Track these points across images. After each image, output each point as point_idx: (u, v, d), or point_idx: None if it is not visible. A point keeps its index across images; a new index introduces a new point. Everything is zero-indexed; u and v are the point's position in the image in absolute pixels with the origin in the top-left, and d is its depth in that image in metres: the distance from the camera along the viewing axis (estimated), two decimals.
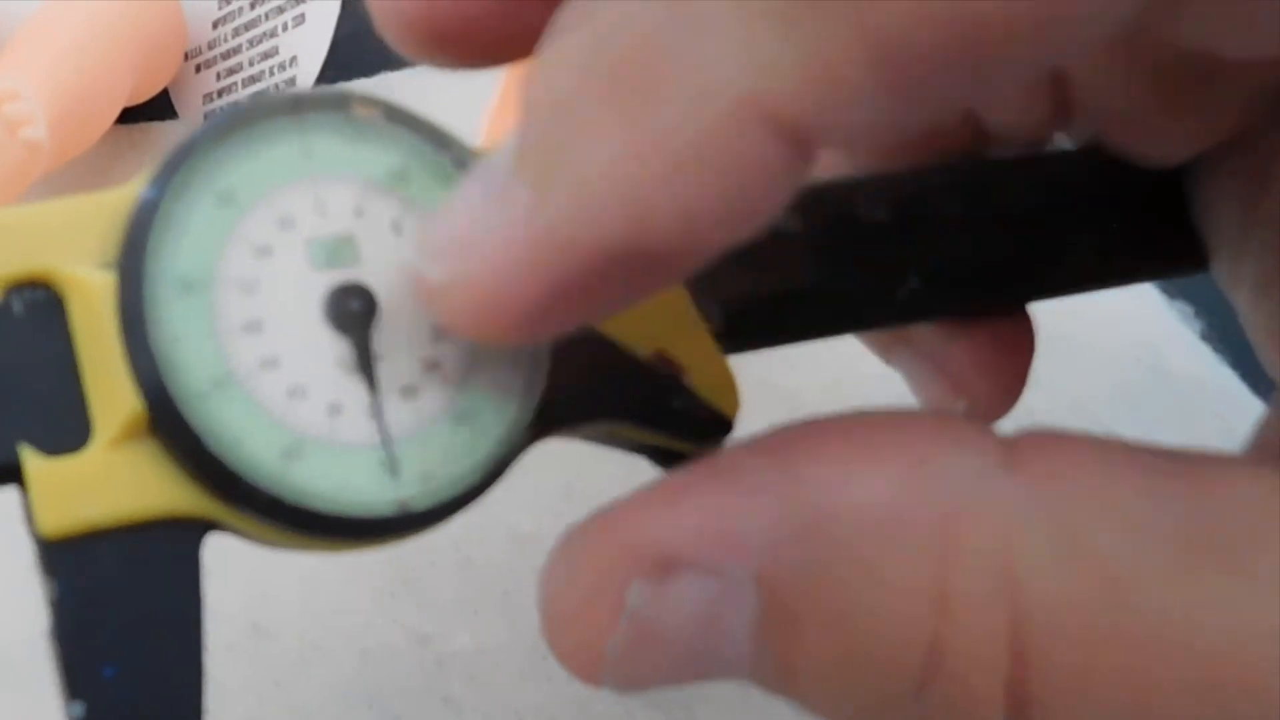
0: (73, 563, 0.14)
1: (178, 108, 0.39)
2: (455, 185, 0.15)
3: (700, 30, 0.12)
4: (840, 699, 0.14)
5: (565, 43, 0.13)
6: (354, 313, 0.15)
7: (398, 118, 0.16)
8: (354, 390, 0.15)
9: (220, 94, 0.38)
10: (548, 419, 0.15)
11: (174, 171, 0.15)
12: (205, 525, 0.14)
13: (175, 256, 0.14)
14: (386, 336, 0.15)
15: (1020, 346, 0.21)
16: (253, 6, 0.37)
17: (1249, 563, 0.13)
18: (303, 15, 0.36)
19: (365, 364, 0.15)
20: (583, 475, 0.26)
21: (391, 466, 0.15)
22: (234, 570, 0.26)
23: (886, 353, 0.22)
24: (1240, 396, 0.31)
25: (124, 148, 0.37)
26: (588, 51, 0.13)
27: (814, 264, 0.18)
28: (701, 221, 0.13)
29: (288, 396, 0.14)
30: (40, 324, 0.14)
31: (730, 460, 0.14)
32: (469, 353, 0.15)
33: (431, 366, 0.15)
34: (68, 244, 0.14)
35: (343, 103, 0.15)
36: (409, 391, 0.15)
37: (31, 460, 0.14)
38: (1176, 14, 0.13)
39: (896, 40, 0.12)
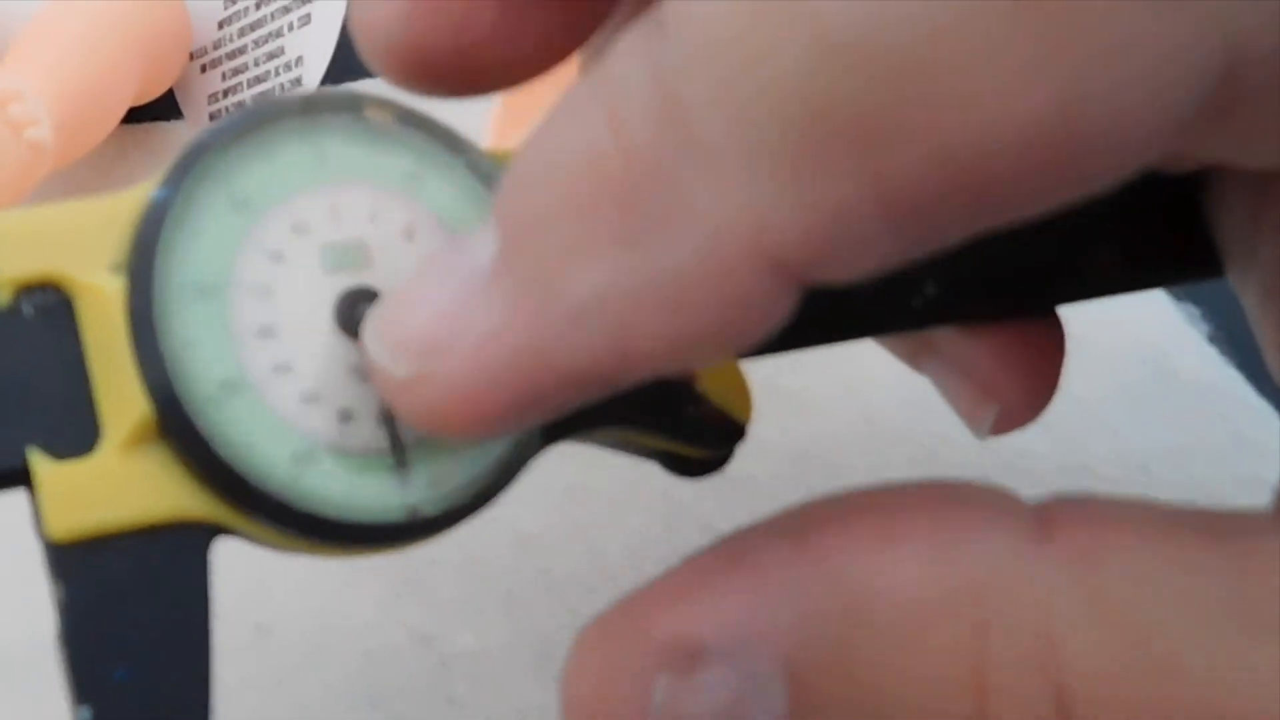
0: (81, 566, 0.14)
1: (183, 108, 0.39)
2: (467, 189, 0.15)
3: (705, 165, 0.12)
4: None
5: (560, 141, 0.13)
6: (365, 318, 0.15)
7: (411, 121, 0.16)
8: (366, 396, 0.15)
9: (225, 94, 0.38)
10: (559, 425, 0.15)
11: (185, 174, 0.15)
12: (214, 530, 0.14)
13: (188, 260, 0.14)
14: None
15: (1049, 349, 0.21)
16: (258, 7, 0.37)
17: None
18: (308, 15, 0.36)
19: None
20: (586, 475, 0.26)
21: (402, 472, 0.15)
22: (236, 570, 0.26)
23: (913, 360, 0.22)
24: (1248, 400, 0.31)
25: (129, 148, 0.37)
26: (586, 162, 0.12)
27: None
28: (689, 349, 0.13)
29: (300, 402, 0.14)
30: (50, 327, 0.14)
31: (753, 545, 0.14)
32: None
33: None
34: (78, 247, 0.14)
35: (356, 106, 0.15)
36: None
37: (40, 464, 0.14)
38: (1210, 144, 0.13)
39: (908, 192, 0.12)
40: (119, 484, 0.14)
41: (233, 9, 0.38)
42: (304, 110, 0.15)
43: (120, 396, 0.14)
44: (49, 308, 0.14)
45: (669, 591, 0.14)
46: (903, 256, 0.12)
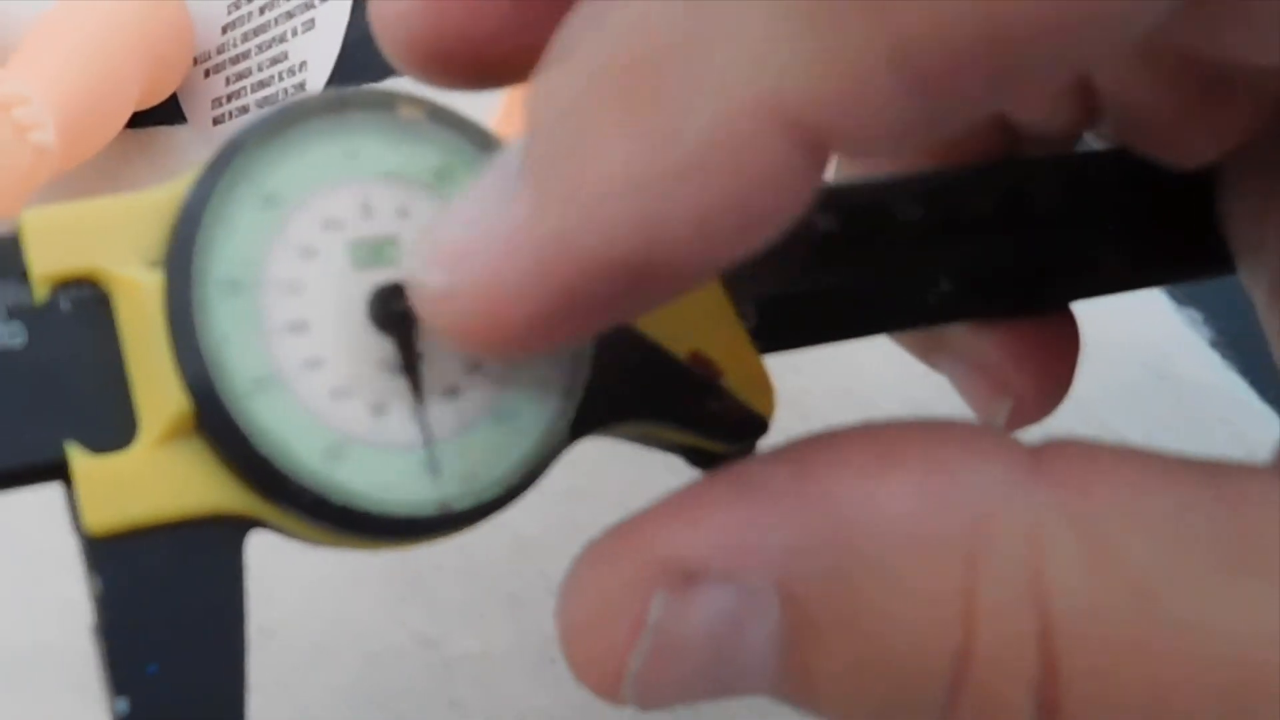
0: (118, 560, 0.14)
1: (186, 113, 0.39)
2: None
3: (718, 30, 0.12)
4: (865, 711, 0.14)
5: (575, 45, 0.13)
6: (398, 313, 0.15)
7: (441, 117, 0.16)
8: (397, 390, 0.15)
9: (229, 99, 0.38)
10: (586, 419, 0.15)
11: (220, 172, 0.15)
12: (248, 523, 0.14)
13: (222, 257, 0.14)
14: (429, 337, 0.15)
15: (1063, 345, 0.21)
16: (262, 12, 0.37)
17: (1277, 568, 0.13)
18: (312, 20, 0.36)
19: (409, 364, 0.15)
20: (587, 479, 0.26)
21: (433, 466, 0.15)
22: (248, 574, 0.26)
23: (927, 356, 0.22)
24: (1249, 403, 0.31)
25: (133, 152, 0.38)
26: (598, 54, 0.12)
27: (847, 264, 0.18)
28: (714, 230, 0.12)
29: (331, 397, 0.14)
30: (87, 322, 0.14)
31: (751, 471, 0.14)
32: None
33: (473, 367, 0.15)
34: (114, 242, 0.14)
35: (387, 103, 0.15)
36: (451, 392, 0.15)
37: (78, 458, 0.14)
38: (1203, 21, 0.13)
39: (922, 42, 0.11)
40: (155, 478, 0.14)
41: (236, 14, 0.38)
42: (335, 107, 0.15)
43: (157, 391, 0.14)
44: (86, 302, 0.14)
45: (668, 513, 0.14)
46: (920, 121, 0.12)
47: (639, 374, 0.16)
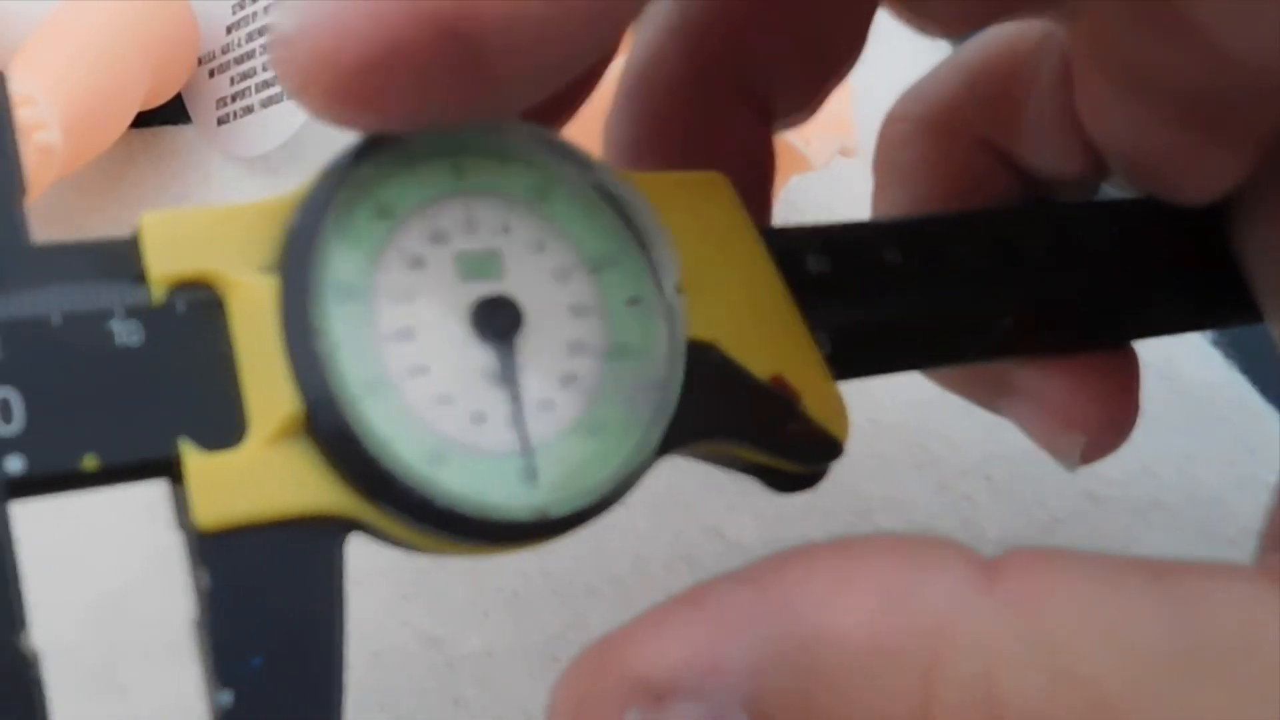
0: (225, 555, 0.14)
1: (191, 113, 0.39)
2: (594, 207, 0.16)
3: None
4: None
5: None
6: (500, 324, 0.15)
7: (542, 139, 0.16)
8: (497, 400, 0.15)
9: (233, 99, 0.38)
10: (675, 435, 0.16)
11: (336, 182, 0.15)
12: (349, 525, 0.15)
13: (336, 264, 0.15)
14: (527, 349, 0.16)
15: (1125, 375, 0.21)
16: (267, 12, 0.37)
17: (1234, 674, 0.13)
18: None
19: (509, 374, 0.15)
20: None
21: (530, 474, 0.15)
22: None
23: (990, 403, 0.22)
24: (1250, 403, 0.31)
25: (137, 152, 0.38)
26: None
27: (914, 296, 0.19)
28: (522, 9, 0.13)
29: (435, 403, 0.15)
30: (200, 323, 0.15)
31: (715, 590, 0.14)
32: (604, 368, 0.16)
33: (568, 380, 0.16)
34: (229, 247, 0.15)
35: (495, 125, 0.16)
36: (546, 404, 0.15)
37: (190, 454, 0.14)
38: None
39: None
40: (264, 476, 0.14)
41: (241, 14, 0.38)
42: (447, 128, 0.16)
43: (268, 391, 0.14)
44: (200, 304, 0.15)
45: (640, 632, 0.14)
46: None
47: (725, 394, 0.16)
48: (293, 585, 0.14)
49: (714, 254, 0.17)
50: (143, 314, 0.14)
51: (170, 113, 0.39)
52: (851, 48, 0.20)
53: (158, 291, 0.14)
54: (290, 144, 0.36)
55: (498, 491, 0.15)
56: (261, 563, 0.14)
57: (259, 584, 0.14)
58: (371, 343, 0.15)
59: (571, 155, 0.16)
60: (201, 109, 0.39)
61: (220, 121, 0.38)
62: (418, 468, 0.14)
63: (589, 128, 0.20)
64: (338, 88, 0.14)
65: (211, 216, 0.15)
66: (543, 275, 0.16)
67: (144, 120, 0.38)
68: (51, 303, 0.14)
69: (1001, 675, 0.13)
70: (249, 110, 0.37)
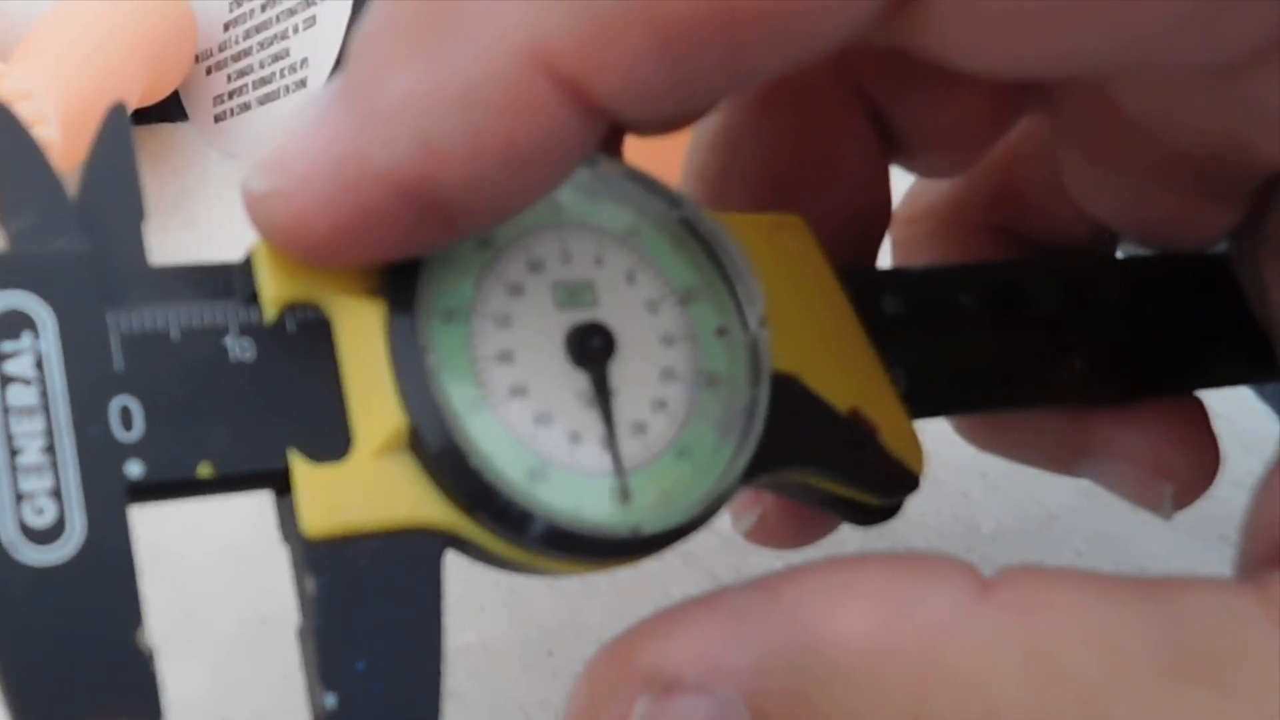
0: (332, 562, 0.14)
1: (188, 110, 0.39)
2: (682, 242, 0.17)
3: None
4: None
5: None
6: (595, 350, 0.16)
7: (635, 177, 0.17)
8: (592, 421, 0.16)
9: (230, 95, 0.38)
10: (759, 463, 0.16)
11: None
12: (447, 540, 0.15)
13: (441, 288, 0.16)
14: (620, 375, 0.16)
15: (1199, 419, 0.22)
16: (264, 9, 0.37)
17: (1226, 676, 0.13)
18: (314, 17, 0.36)
19: (603, 397, 0.16)
20: None
21: (623, 494, 0.16)
22: (243, 565, 0.26)
23: (1070, 467, 0.23)
24: (1247, 402, 0.31)
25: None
26: None
27: (986, 338, 0.19)
28: (485, 163, 0.14)
29: (534, 422, 0.15)
30: (308, 342, 0.15)
31: (729, 594, 0.15)
32: (693, 395, 0.16)
33: (659, 405, 0.16)
34: (336, 272, 0.15)
35: (591, 162, 0.17)
36: (639, 427, 0.16)
37: (299, 465, 0.15)
38: (915, 21, 0.14)
39: (671, 16, 0.13)
40: (369, 488, 0.15)
41: (238, 11, 0.38)
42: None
43: (374, 407, 0.15)
44: (309, 324, 0.15)
45: (656, 627, 0.15)
46: (669, 92, 0.14)
47: (807, 425, 0.17)
48: (395, 593, 0.15)
49: (794, 291, 0.18)
50: (255, 332, 0.15)
51: (167, 110, 0.39)
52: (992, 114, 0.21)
53: (270, 311, 0.15)
54: None
55: (593, 509, 0.15)
56: (366, 571, 0.15)
57: (363, 591, 0.15)
58: (473, 363, 0.15)
59: (661, 192, 0.17)
60: (199, 106, 0.39)
61: (217, 119, 0.38)
62: (518, 483, 0.15)
63: (661, 159, 0.20)
64: (309, 245, 0.14)
65: None
66: (634, 305, 0.17)
67: (141, 117, 0.38)
68: (170, 318, 0.15)
69: (994, 679, 0.13)
70: (246, 107, 0.38)
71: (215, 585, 0.26)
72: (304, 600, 0.15)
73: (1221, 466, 0.22)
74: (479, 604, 0.25)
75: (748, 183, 0.20)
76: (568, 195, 0.17)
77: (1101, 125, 0.19)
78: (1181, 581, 0.14)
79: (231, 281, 0.15)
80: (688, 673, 0.14)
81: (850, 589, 0.14)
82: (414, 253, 0.15)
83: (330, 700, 0.14)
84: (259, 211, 0.14)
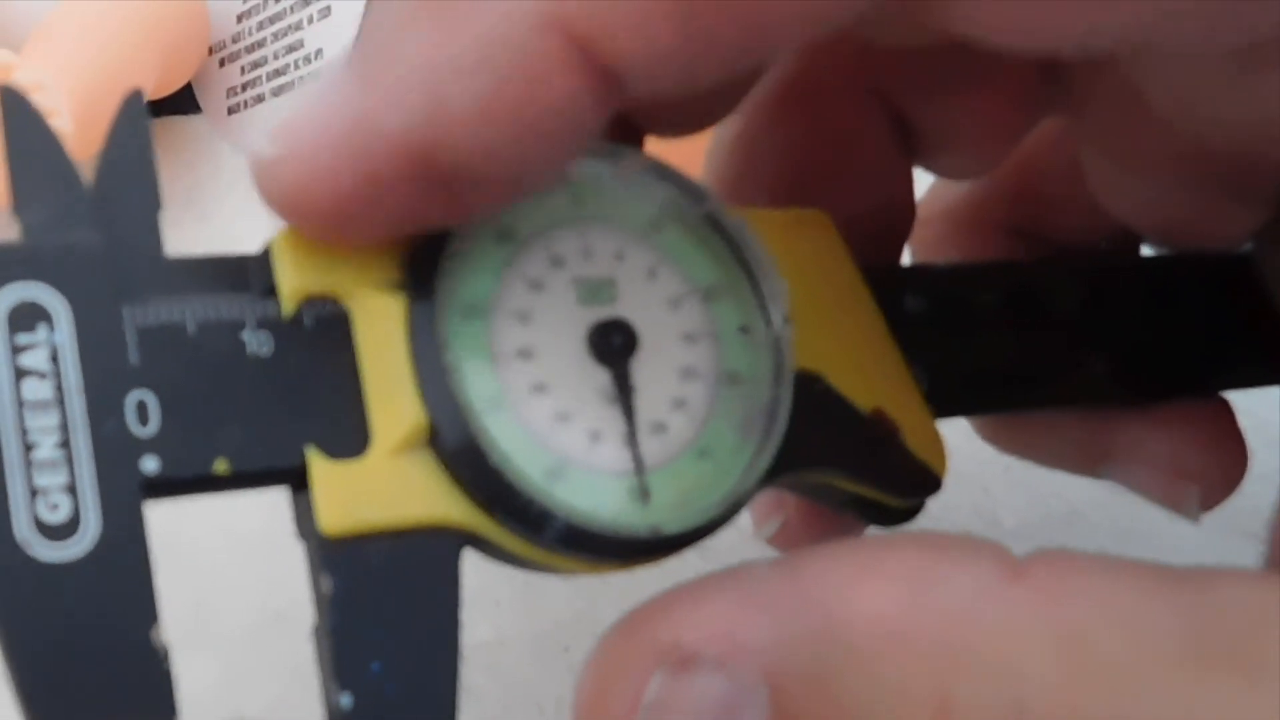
0: (348, 561, 0.14)
1: (201, 102, 0.39)
2: (704, 238, 0.17)
3: None
4: None
5: None
6: (616, 347, 0.16)
7: (658, 172, 0.17)
8: (612, 420, 0.16)
9: (244, 88, 0.38)
10: (781, 462, 0.16)
11: None
12: (465, 538, 0.15)
13: (462, 284, 0.15)
14: (641, 373, 0.16)
15: (1225, 421, 0.22)
16: (277, 0, 0.37)
17: (1253, 664, 0.13)
18: (328, 8, 0.36)
19: (624, 395, 0.16)
20: None
21: (643, 493, 0.15)
22: (257, 558, 0.26)
23: (1094, 469, 0.22)
24: (1272, 395, 0.30)
25: None
26: None
27: (1008, 338, 0.19)
28: (494, 130, 0.13)
29: (554, 420, 0.15)
30: (327, 337, 0.15)
31: (749, 569, 0.15)
32: (715, 394, 0.16)
33: (680, 404, 0.16)
34: (355, 264, 0.15)
35: (612, 154, 0.16)
36: (659, 426, 0.16)
37: (317, 462, 0.14)
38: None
39: None
40: (387, 486, 0.14)
41: (252, 2, 0.38)
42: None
43: (393, 404, 0.15)
44: (327, 319, 0.15)
45: (671, 601, 0.15)
46: (689, 62, 0.14)
47: (829, 424, 0.17)
48: (412, 593, 0.14)
49: (818, 288, 0.17)
50: (273, 326, 0.15)
51: (181, 102, 0.39)
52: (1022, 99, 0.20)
53: (288, 305, 0.15)
54: None
55: (612, 508, 0.15)
56: (382, 570, 0.14)
57: (380, 590, 0.14)
58: (494, 360, 0.15)
59: (685, 186, 0.17)
60: (212, 98, 0.39)
61: (231, 111, 0.38)
62: (537, 482, 0.15)
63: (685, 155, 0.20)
64: (314, 214, 0.14)
65: None
66: (656, 302, 0.16)
67: (155, 110, 0.38)
68: (187, 312, 0.14)
69: (1022, 659, 0.13)
70: (260, 99, 0.37)
71: (229, 579, 0.26)
72: (319, 599, 0.14)
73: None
74: (494, 599, 0.25)
75: (768, 185, 0.20)
76: (589, 190, 0.16)
77: (1126, 122, 0.19)
78: (1210, 571, 0.14)
79: (248, 274, 0.15)
80: (704, 647, 0.14)
81: (874, 569, 0.14)
82: (421, 228, 0.15)
83: (346, 700, 0.14)
84: (265, 178, 0.14)
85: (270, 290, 0.15)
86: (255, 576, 0.25)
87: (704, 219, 0.17)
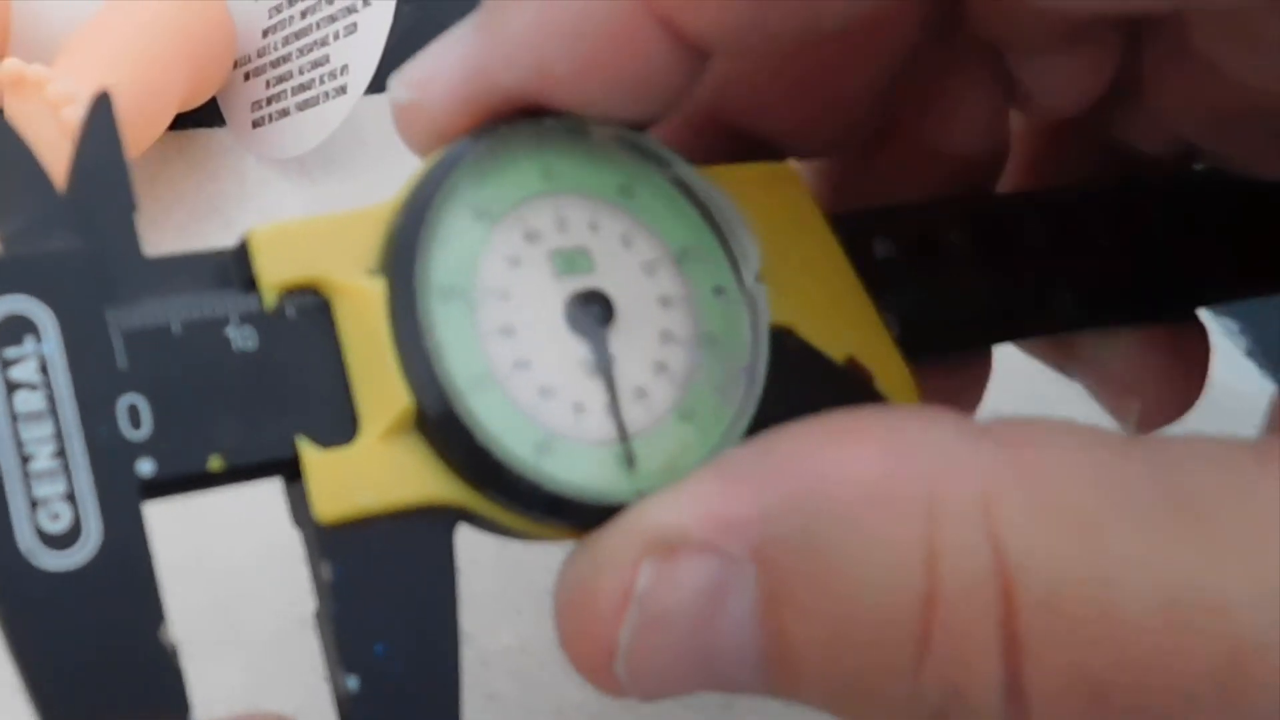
0: (346, 547, 0.15)
1: (226, 116, 0.40)
2: (674, 200, 0.17)
3: None
4: (841, 685, 0.14)
5: None
6: (593, 317, 0.16)
7: (624, 139, 0.17)
8: (594, 390, 0.16)
9: (269, 102, 0.39)
10: (760, 419, 0.16)
11: (435, 187, 0.16)
12: (458, 515, 0.15)
13: (440, 265, 0.16)
14: (620, 340, 0.16)
15: (1190, 352, 0.22)
16: (303, 15, 0.37)
17: (1213, 527, 0.13)
18: (354, 24, 0.36)
19: (605, 365, 0.16)
20: None
21: (629, 460, 0.16)
22: (280, 564, 0.26)
23: (1060, 366, 0.23)
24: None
25: (172, 154, 0.38)
26: None
27: (975, 275, 0.20)
28: (590, 86, 0.16)
29: (538, 395, 0.16)
30: (310, 327, 0.15)
31: (725, 458, 0.15)
32: (694, 356, 0.17)
33: (660, 369, 0.16)
34: (334, 253, 0.15)
35: (581, 127, 0.17)
36: (641, 392, 0.16)
37: (308, 451, 0.15)
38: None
39: None
40: (379, 470, 0.15)
41: (278, 17, 0.38)
42: (535, 130, 0.17)
43: (379, 389, 0.15)
44: (309, 309, 0.15)
45: (655, 498, 0.15)
46: (756, 27, 0.16)
47: (805, 377, 0.17)
48: (410, 573, 0.15)
49: (786, 241, 0.18)
50: (256, 320, 0.15)
51: (206, 115, 0.39)
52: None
53: (269, 298, 0.15)
54: (325, 147, 0.37)
55: (600, 477, 0.15)
56: (380, 552, 0.15)
57: (379, 573, 0.15)
58: (476, 339, 0.15)
59: (651, 152, 0.17)
60: (237, 112, 0.39)
61: (255, 124, 0.39)
62: (525, 457, 0.15)
63: None
64: (436, 142, 0.17)
65: (316, 225, 0.16)
66: (631, 269, 0.17)
67: (180, 123, 0.38)
68: (170, 312, 0.15)
69: (998, 508, 0.14)
70: (284, 113, 0.38)
71: (252, 585, 0.26)
72: (320, 586, 0.15)
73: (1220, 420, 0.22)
74: (515, 606, 0.25)
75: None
76: (559, 162, 0.17)
77: (1184, 75, 0.19)
78: (1178, 436, 0.15)
79: (228, 270, 0.15)
80: (691, 530, 0.14)
81: (845, 438, 0.15)
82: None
83: (352, 683, 0.14)
84: (402, 119, 0.17)
85: (250, 284, 0.15)
86: (280, 583, 0.26)
87: (673, 183, 0.17)
